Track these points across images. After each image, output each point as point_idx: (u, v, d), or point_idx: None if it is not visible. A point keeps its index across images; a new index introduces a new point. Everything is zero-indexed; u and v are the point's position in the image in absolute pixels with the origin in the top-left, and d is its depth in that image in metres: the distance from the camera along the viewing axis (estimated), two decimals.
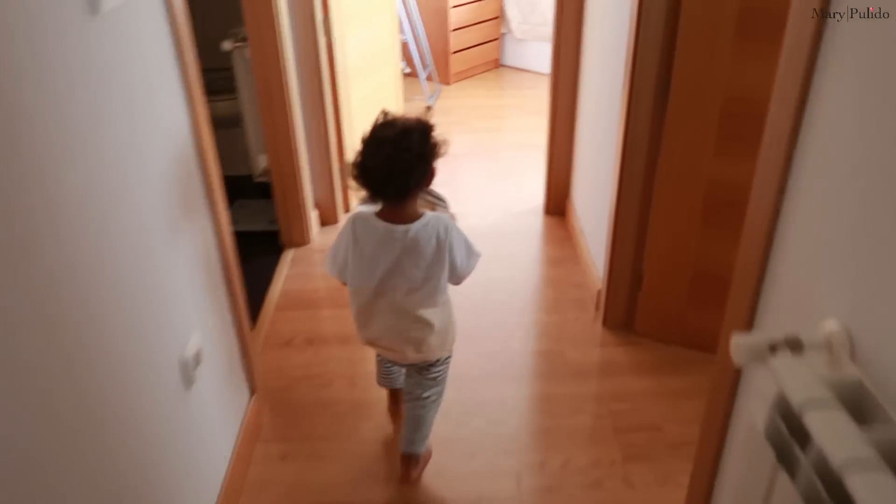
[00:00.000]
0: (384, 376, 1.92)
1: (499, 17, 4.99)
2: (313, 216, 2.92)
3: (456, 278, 1.60)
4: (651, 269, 2.19)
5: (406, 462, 1.76)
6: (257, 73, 2.52)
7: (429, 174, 1.51)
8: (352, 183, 1.52)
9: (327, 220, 3.02)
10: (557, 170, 3.00)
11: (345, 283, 1.62)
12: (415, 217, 1.52)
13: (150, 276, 1.29)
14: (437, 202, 1.72)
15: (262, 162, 2.90)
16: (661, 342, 2.25)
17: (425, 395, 1.73)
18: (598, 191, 2.45)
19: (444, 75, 4.79)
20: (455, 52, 4.73)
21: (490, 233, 2.95)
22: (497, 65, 5.17)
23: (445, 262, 1.54)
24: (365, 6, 3.09)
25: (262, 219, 3.04)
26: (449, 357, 1.76)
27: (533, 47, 4.98)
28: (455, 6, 4.59)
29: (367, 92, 3.20)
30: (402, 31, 4.20)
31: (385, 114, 1.50)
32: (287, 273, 2.71)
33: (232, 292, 1.76)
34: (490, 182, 3.46)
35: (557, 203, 3.07)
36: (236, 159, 3.09)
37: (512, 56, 5.15)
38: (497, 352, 2.25)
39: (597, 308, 2.41)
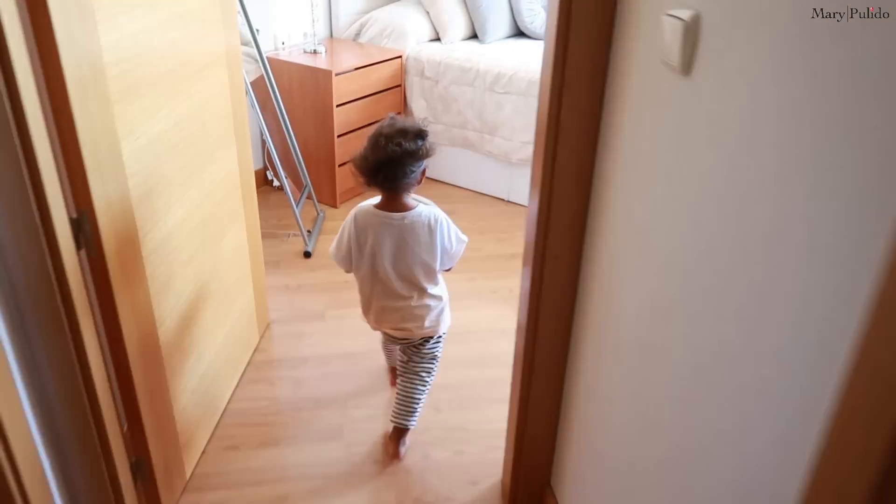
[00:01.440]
0: (389, 355, 2.20)
1: (401, 112, 3.77)
2: None
3: (447, 263, 1.84)
4: None
5: (396, 434, 1.97)
6: None
7: (418, 172, 1.73)
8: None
9: None
10: (533, 437, 1.77)
11: (349, 271, 1.86)
12: (409, 208, 1.77)
13: None
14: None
15: None
16: None
17: (419, 369, 1.96)
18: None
19: (328, 195, 3.50)
20: (343, 164, 3.44)
21: None
22: None
23: (437, 245, 1.78)
24: (182, 169, 1.75)
25: None
26: (442, 336, 1.98)
27: (447, 154, 3.79)
28: (341, 104, 3.32)
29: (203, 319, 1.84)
30: (260, 127, 2.88)
31: (391, 117, 1.73)
32: None
33: None
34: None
35: (529, 487, 1.83)
36: None
37: None
38: None
39: None
